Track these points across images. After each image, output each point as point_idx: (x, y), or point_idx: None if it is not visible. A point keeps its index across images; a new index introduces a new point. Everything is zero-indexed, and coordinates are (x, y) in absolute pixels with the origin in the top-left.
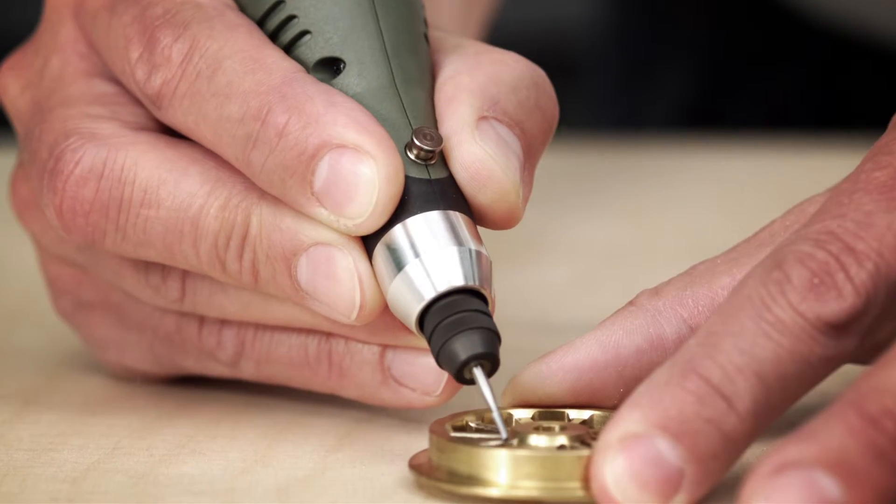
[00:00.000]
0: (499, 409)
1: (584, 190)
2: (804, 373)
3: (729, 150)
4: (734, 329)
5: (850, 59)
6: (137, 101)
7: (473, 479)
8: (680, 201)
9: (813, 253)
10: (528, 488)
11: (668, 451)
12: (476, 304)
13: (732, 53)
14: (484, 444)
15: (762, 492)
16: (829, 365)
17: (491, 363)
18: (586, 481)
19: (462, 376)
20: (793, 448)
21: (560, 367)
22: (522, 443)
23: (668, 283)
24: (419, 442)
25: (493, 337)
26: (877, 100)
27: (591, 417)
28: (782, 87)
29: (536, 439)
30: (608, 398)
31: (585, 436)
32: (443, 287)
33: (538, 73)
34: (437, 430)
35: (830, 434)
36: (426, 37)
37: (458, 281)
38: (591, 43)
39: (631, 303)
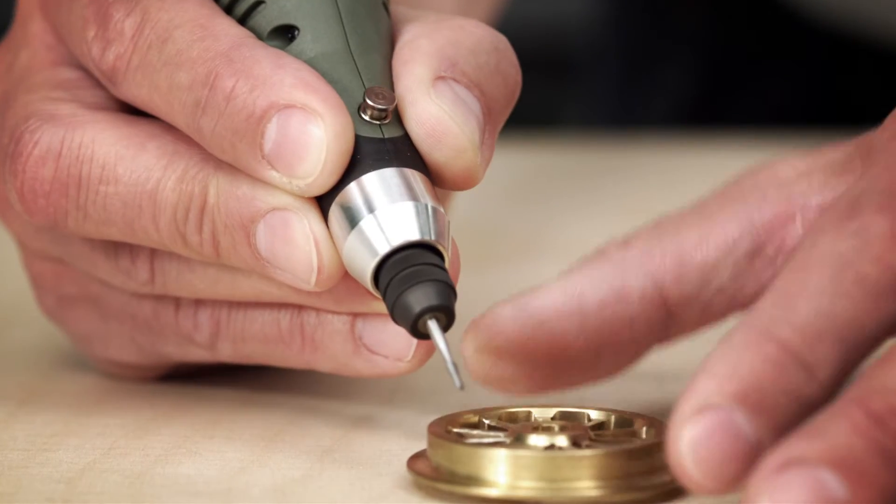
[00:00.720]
0: (454, 361)
1: (582, 188)
2: (885, 333)
3: (730, 148)
4: (811, 287)
5: (852, 58)
6: (99, 84)
7: (472, 480)
8: (680, 200)
9: (890, 202)
10: (527, 489)
11: (745, 424)
12: (431, 258)
13: (733, 50)
14: (483, 443)
15: (766, 489)
16: None
17: (446, 316)
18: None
19: (417, 331)
20: (798, 445)
21: (523, 312)
22: (522, 442)
23: (637, 234)
24: (416, 442)
25: (448, 290)
26: (878, 98)
27: (611, 419)
28: (783, 84)
29: (536, 439)
30: (566, 347)
31: (584, 436)
32: (397, 241)
33: (499, 39)
34: (435, 430)
35: (836, 432)
36: (386, 6)
37: (414, 235)
38: (590, 39)
39: (597, 251)
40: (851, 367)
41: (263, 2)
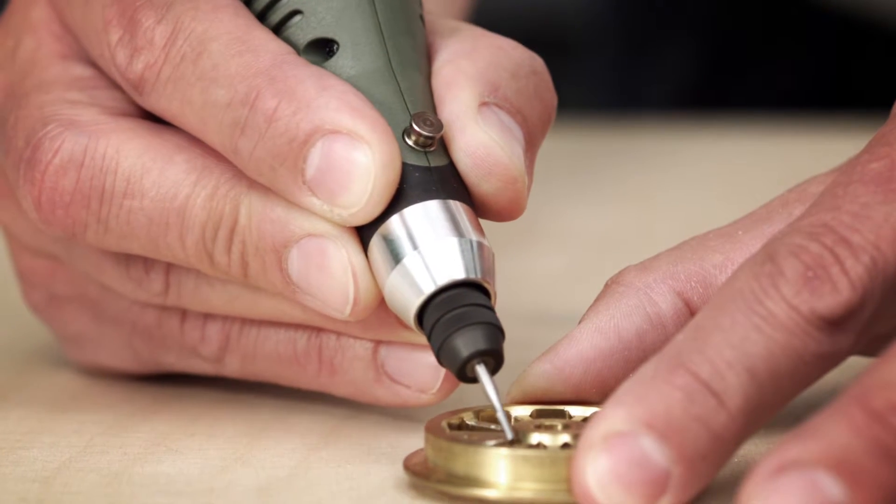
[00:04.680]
0: (503, 407)
1: (580, 174)
2: (798, 369)
3: (732, 133)
4: (724, 323)
5: (858, 40)
6: (117, 86)
7: (471, 480)
8: (681, 186)
9: (807, 245)
10: (528, 489)
11: (653, 450)
12: (478, 298)
13: (736, 31)
14: (482, 443)
15: (761, 493)
16: (824, 362)
17: (495, 360)
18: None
19: (464, 374)
20: (793, 447)
21: (565, 363)
22: (523, 442)
23: (657, 258)
24: (407, 440)
25: (497, 333)
26: (885, 82)
27: (593, 415)
28: (788, 66)
29: (538, 438)
30: (617, 383)
31: None
32: (443, 280)
33: (537, 61)
34: (433, 429)
35: (833, 432)
36: (422, 18)
37: (459, 274)
38: (589, 19)
39: (617, 281)
40: (771, 401)
41: (301, 12)
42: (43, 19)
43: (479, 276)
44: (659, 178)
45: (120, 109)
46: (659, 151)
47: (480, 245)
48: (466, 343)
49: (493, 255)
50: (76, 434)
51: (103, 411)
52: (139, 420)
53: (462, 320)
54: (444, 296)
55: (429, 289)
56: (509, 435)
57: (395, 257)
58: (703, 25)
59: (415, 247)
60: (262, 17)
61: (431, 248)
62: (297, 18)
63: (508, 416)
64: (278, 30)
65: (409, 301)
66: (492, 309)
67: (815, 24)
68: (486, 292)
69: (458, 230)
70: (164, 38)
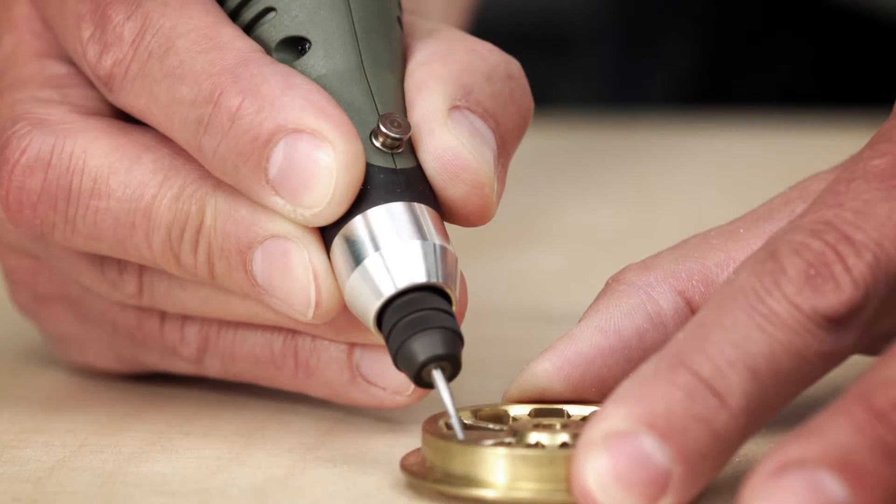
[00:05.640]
0: (458, 413)
1: (579, 171)
2: (800, 368)
3: (734, 128)
4: (726, 321)
5: (859, 36)
6: (91, 84)
7: (469, 480)
8: (681, 182)
9: (809, 243)
10: (526, 489)
11: (654, 450)
12: (438, 302)
13: (738, 23)
14: (480, 442)
15: (762, 493)
16: (826, 361)
17: (452, 366)
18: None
19: (421, 379)
20: (795, 446)
21: (565, 362)
22: (521, 441)
23: (658, 256)
24: (404, 440)
25: (455, 338)
26: (886, 78)
27: (592, 414)
28: (790, 60)
29: (537, 438)
30: (616, 382)
31: None
32: (403, 283)
33: (513, 65)
34: (430, 429)
35: (835, 431)
36: (399, 20)
37: (420, 277)
38: (589, 13)
39: (617, 280)
40: (773, 400)
41: (274, 9)
42: (24, 17)
43: (440, 280)
44: (659, 176)
45: (91, 108)
46: (659, 149)
47: (444, 249)
48: (423, 347)
49: (457, 259)
50: (70, 433)
51: (97, 410)
52: (134, 419)
53: (420, 324)
54: (403, 299)
55: (388, 291)
56: (460, 437)
57: (357, 259)
58: (702, 20)
59: (376, 248)
60: (235, 14)
61: (393, 250)
62: (270, 16)
63: (503, 413)
64: (251, 27)
65: (368, 303)
66: (452, 314)
67: (816, 19)
68: (447, 297)
69: (421, 233)
70: (132, 35)
